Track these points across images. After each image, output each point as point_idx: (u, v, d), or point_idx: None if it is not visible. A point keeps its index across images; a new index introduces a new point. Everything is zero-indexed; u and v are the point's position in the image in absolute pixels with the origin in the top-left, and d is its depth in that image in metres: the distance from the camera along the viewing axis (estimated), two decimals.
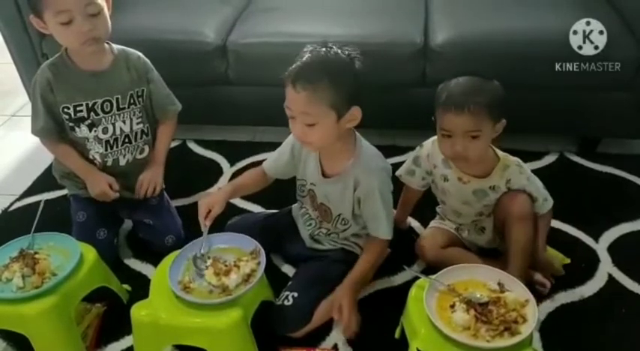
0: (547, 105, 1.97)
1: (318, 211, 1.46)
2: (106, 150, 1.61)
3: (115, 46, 1.59)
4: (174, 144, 2.21)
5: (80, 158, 1.60)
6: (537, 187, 1.45)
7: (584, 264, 1.57)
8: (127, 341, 1.39)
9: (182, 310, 1.23)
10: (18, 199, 1.95)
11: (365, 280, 1.46)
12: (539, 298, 1.44)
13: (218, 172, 2.05)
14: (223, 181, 2.00)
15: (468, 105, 1.30)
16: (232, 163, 2.08)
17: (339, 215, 1.42)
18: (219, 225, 1.46)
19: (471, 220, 1.55)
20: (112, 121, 1.58)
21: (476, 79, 1.36)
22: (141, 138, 1.65)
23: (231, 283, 1.25)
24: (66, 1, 1.37)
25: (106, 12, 1.45)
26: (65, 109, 1.53)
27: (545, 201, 1.46)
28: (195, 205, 1.41)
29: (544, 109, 1.97)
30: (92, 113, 1.55)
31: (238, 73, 2.03)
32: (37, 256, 1.34)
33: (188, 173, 2.02)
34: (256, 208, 1.84)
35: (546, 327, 1.39)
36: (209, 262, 1.31)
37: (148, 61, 1.63)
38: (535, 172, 1.49)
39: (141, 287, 1.47)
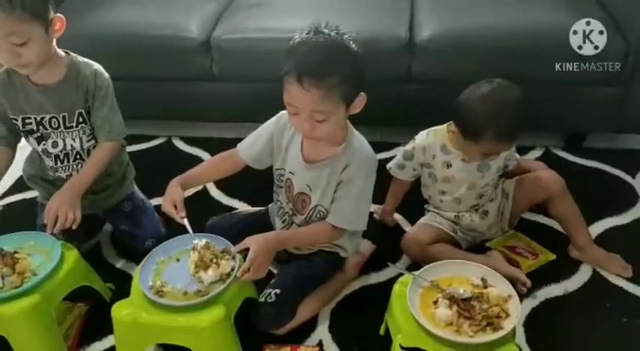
0: (534, 101, 1.95)
1: (293, 202, 1.41)
2: (56, 164, 1.54)
3: (73, 58, 1.48)
4: (159, 141, 2.20)
5: None
6: None
7: (569, 258, 1.57)
8: (110, 340, 1.37)
9: (163, 309, 1.21)
10: None
11: (289, 245, 1.40)
12: (524, 292, 1.44)
13: None
14: None
15: None
16: None
17: (316, 207, 1.37)
18: (199, 223, 1.45)
19: (469, 205, 1.56)
20: (62, 137, 1.50)
21: None
22: None
23: (206, 279, 1.23)
24: None
25: (40, 39, 1.33)
26: (14, 120, 1.48)
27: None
28: None
29: (531, 105, 1.96)
30: (41, 127, 1.48)
31: (223, 69, 2.02)
32: (16, 255, 1.32)
33: (173, 170, 1.98)
34: (242, 205, 1.82)
35: (530, 321, 1.39)
36: (203, 241, 1.29)
37: (104, 76, 1.49)
38: None
39: (125, 285, 1.43)
